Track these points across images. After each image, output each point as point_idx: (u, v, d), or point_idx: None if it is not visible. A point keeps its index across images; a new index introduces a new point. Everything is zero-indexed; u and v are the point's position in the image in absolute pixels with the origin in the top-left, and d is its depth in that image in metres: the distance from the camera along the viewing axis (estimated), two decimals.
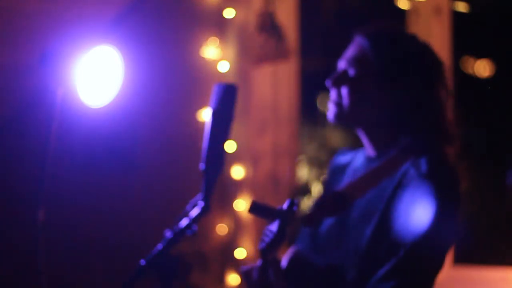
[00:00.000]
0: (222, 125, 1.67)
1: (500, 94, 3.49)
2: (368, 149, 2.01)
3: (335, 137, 3.91)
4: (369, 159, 2.00)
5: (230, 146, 3.25)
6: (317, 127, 3.89)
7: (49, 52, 1.92)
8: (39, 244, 1.94)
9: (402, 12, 3.33)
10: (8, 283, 2.86)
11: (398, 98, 1.93)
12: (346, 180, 2.03)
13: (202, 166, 1.65)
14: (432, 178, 1.82)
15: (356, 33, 2.01)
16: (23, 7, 2.72)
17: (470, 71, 3.65)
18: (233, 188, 3.30)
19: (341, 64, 2.01)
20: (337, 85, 1.97)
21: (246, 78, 3.31)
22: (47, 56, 1.92)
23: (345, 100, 1.96)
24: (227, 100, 1.68)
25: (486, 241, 3.55)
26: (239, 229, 3.29)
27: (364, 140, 2.00)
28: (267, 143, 3.36)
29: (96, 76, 2.00)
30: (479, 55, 3.63)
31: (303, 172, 3.78)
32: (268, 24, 3.25)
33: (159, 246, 1.64)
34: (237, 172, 3.30)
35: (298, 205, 1.74)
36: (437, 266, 1.86)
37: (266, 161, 3.37)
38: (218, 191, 1.69)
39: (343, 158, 2.12)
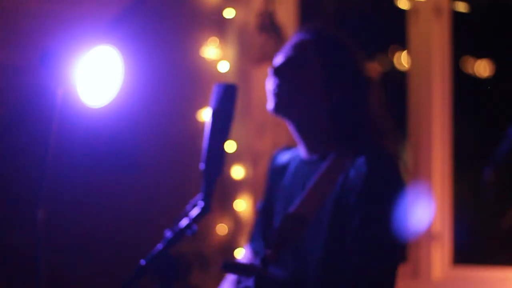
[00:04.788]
0: (222, 125, 1.68)
1: (499, 94, 3.49)
2: (302, 150, 2.00)
3: None
4: (305, 162, 2.00)
5: (230, 146, 3.25)
6: None
7: (49, 52, 1.92)
8: (39, 243, 1.94)
9: (402, 12, 3.33)
10: (8, 283, 2.86)
11: (330, 97, 1.93)
12: (286, 183, 2.03)
13: (202, 166, 1.65)
14: (373, 178, 1.82)
15: (299, 30, 2.03)
16: (23, 7, 2.72)
17: (470, 71, 3.65)
18: (233, 188, 3.30)
19: (284, 52, 2.00)
20: (277, 74, 1.96)
21: (246, 78, 3.31)
22: (47, 56, 1.92)
23: (282, 90, 1.95)
24: (227, 100, 1.68)
25: (486, 241, 3.55)
26: (239, 229, 3.29)
27: (297, 139, 2.00)
28: (267, 143, 3.35)
29: (96, 76, 2.00)
30: (479, 55, 3.63)
31: None
32: (268, 24, 3.25)
33: (159, 246, 1.64)
34: (237, 172, 3.30)
35: (270, 261, 1.78)
36: (396, 262, 1.86)
37: (266, 161, 3.36)
38: (218, 191, 1.69)
39: (281, 159, 2.12)
